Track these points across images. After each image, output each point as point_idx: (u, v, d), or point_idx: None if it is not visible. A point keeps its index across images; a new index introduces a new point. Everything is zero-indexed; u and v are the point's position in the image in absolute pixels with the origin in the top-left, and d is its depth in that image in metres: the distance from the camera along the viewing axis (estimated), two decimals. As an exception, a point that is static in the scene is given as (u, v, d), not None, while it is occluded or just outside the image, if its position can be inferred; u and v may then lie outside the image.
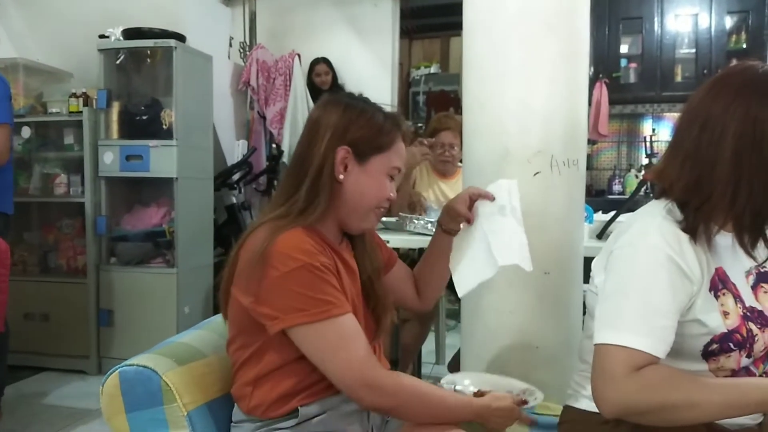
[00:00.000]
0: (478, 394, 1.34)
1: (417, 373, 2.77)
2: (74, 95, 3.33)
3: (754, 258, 1.06)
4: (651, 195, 2.59)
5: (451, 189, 2.94)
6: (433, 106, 5.96)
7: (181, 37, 3.38)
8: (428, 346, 3.08)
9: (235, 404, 1.18)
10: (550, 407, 1.44)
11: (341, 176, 1.16)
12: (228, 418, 1.18)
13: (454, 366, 2.83)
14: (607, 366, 0.94)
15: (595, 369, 0.96)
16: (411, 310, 1.93)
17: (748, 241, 1.02)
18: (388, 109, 1.26)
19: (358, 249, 1.27)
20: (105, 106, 3.29)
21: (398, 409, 1.11)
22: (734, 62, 1.11)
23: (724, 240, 1.05)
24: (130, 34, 3.34)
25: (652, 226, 1.01)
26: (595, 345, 0.97)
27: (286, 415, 1.12)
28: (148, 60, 3.44)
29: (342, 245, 1.24)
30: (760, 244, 1.03)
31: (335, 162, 1.15)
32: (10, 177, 2.76)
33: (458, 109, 5.14)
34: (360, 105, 1.21)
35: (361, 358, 1.06)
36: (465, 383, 1.41)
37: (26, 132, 3.39)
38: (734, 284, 1.04)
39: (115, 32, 3.36)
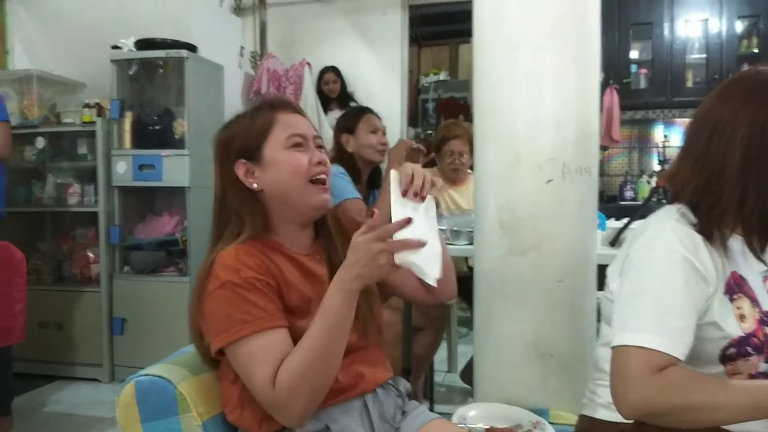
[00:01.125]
0: (490, 430, 1.35)
1: (430, 382, 2.76)
2: (87, 105, 3.37)
3: (763, 261, 1.05)
4: (663, 202, 2.58)
5: (462, 196, 2.94)
6: (443, 114, 5.97)
7: (192, 48, 3.41)
8: (440, 355, 3.07)
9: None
10: (565, 416, 1.43)
11: (255, 185, 1.16)
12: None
13: (467, 374, 2.82)
14: (626, 367, 0.93)
15: (614, 371, 0.95)
16: (423, 304, 1.84)
17: (757, 244, 1.02)
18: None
19: (333, 252, 1.21)
20: (118, 116, 3.32)
21: (307, 416, 1.05)
22: (745, 67, 1.11)
23: (736, 244, 1.05)
24: (142, 44, 3.38)
25: (667, 228, 1.01)
26: (614, 348, 0.96)
27: (282, 428, 1.09)
28: (160, 70, 3.47)
29: (311, 249, 1.22)
30: None
31: (240, 179, 1.16)
32: (3, 180, 2.77)
33: (468, 116, 5.16)
34: (229, 119, 1.23)
35: (268, 382, 1.01)
36: (471, 414, 1.41)
37: (40, 142, 3.43)
38: (751, 288, 1.04)
39: (128, 43, 3.39)
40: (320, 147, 1.21)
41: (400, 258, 0.99)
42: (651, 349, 0.92)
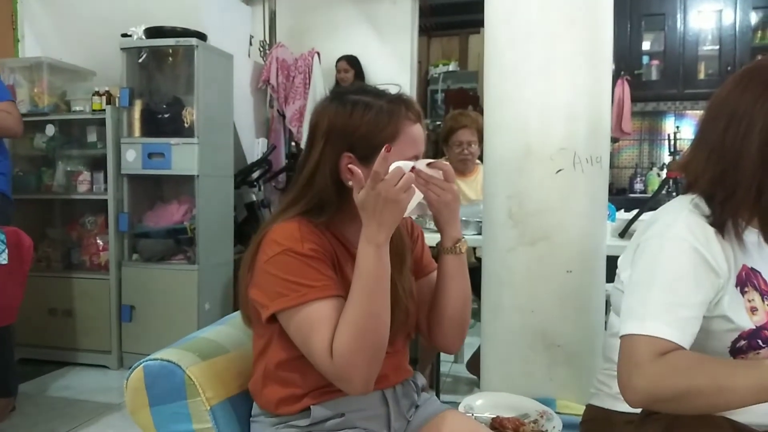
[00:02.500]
0: (497, 420, 1.34)
1: (436, 372, 2.76)
2: (97, 93, 3.37)
3: None
4: (674, 194, 2.56)
5: (470, 187, 2.93)
6: (452, 104, 5.94)
7: (202, 36, 3.40)
8: (447, 345, 3.07)
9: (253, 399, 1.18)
10: (572, 406, 1.43)
11: (350, 183, 1.06)
12: (248, 413, 1.19)
13: (473, 364, 2.82)
14: (632, 355, 0.92)
15: (620, 359, 0.95)
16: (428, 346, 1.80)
17: None
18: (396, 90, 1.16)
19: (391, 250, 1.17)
20: (127, 104, 3.33)
21: (371, 381, 1.04)
22: (759, 58, 1.08)
23: (751, 236, 1.03)
24: (152, 33, 3.38)
25: (679, 218, 1.00)
26: (621, 337, 0.96)
27: (298, 413, 1.10)
28: (170, 59, 3.47)
29: None
30: None
31: (340, 169, 1.09)
32: (8, 164, 2.79)
33: (477, 107, 5.13)
34: (354, 100, 1.11)
35: (323, 351, 1.00)
36: (477, 404, 1.41)
37: (50, 130, 3.45)
38: (765, 281, 1.03)
39: (137, 31, 3.39)
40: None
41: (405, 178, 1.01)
42: (657, 337, 0.92)
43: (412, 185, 1.03)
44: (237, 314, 1.35)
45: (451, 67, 6.47)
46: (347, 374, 1.00)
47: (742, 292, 1.01)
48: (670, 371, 0.90)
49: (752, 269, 1.03)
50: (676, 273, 0.96)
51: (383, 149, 1.00)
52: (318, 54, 4.47)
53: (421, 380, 1.29)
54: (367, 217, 1.01)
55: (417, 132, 1.12)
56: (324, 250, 1.08)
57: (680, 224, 0.99)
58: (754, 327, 0.99)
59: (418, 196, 1.08)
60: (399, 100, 1.12)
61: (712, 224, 0.99)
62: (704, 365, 0.91)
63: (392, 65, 4.55)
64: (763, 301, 1.01)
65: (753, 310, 1.00)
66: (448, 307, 1.19)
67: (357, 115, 1.09)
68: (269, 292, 1.05)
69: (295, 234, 1.06)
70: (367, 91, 1.15)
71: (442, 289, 1.18)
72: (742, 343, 0.99)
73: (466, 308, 1.21)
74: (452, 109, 5.71)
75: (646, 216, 2.05)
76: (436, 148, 4.19)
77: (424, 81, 6.38)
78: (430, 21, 6.08)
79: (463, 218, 2.25)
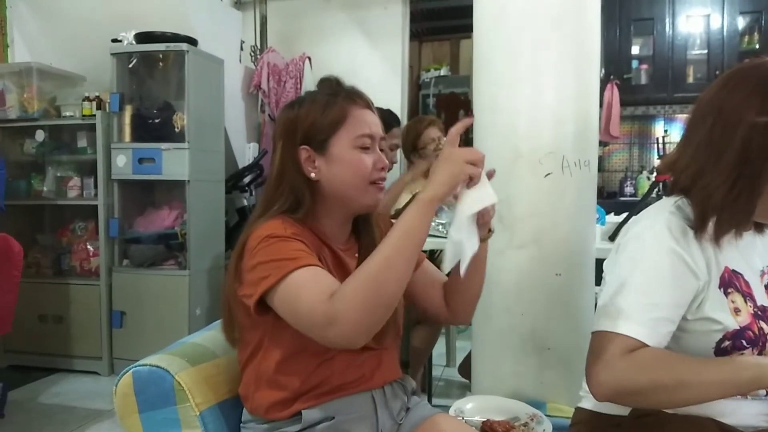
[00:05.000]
0: (487, 424, 1.35)
1: (428, 375, 2.76)
2: (87, 99, 3.36)
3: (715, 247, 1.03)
4: (663, 197, 2.58)
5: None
6: (443, 109, 5.96)
7: (192, 41, 3.40)
8: (439, 349, 3.07)
9: (243, 405, 1.18)
10: (562, 409, 1.43)
11: (313, 175, 1.13)
12: (238, 418, 1.18)
13: (465, 368, 2.83)
14: (602, 351, 0.95)
15: (590, 354, 0.97)
16: (439, 321, 1.81)
17: (728, 233, 1.01)
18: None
19: (366, 247, 1.19)
20: (118, 109, 3.32)
21: (362, 334, 0.98)
22: (747, 61, 1.10)
23: (732, 238, 1.04)
24: (142, 38, 3.37)
25: (659, 220, 1.01)
26: (594, 332, 0.97)
27: (289, 417, 1.11)
28: (160, 64, 3.46)
29: (347, 244, 1.21)
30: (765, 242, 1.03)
31: (300, 164, 1.13)
32: (2, 173, 2.76)
33: (468, 111, 5.13)
34: (301, 98, 1.17)
35: (321, 299, 0.96)
36: (468, 407, 1.41)
37: (40, 135, 3.43)
38: (747, 282, 1.04)
39: (128, 36, 3.38)
40: (382, 150, 1.18)
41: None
42: (629, 336, 0.93)
43: (481, 181, 1.03)
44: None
45: (443, 71, 6.48)
46: (341, 316, 0.94)
47: (726, 294, 1.02)
48: (635, 367, 0.92)
49: (734, 271, 1.04)
50: (653, 274, 0.98)
51: (466, 118, 1.05)
52: (309, 59, 4.47)
53: (411, 383, 1.29)
54: (432, 172, 1.02)
55: (367, 115, 1.16)
56: (307, 240, 1.08)
57: (660, 226, 1.00)
58: (739, 327, 1.00)
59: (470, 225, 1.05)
60: (342, 89, 1.18)
61: (693, 227, 1.00)
62: (668, 361, 0.93)
63: (383, 70, 4.55)
64: (745, 302, 1.02)
65: (737, 311, 1.01)
66: (476, 284, 1.22)
67: (303, 109, 1.15)
68: (254, 281, 1.04)
69: (277, 226, 1.07)
70: (313, 91, 1.21)
71: (474, 270, 1.14)
72: (727, 343, 1.00)
73: (483, 283, 1.24)
74: (444, 114, 5.74)
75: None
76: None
77: (416, 86, 6.39)
78: (421, 26, 6.10)
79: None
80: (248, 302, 1.06)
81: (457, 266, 1.08)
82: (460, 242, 1.04)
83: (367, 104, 1.18)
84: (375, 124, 1.16)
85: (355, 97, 1.16)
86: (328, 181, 1.14)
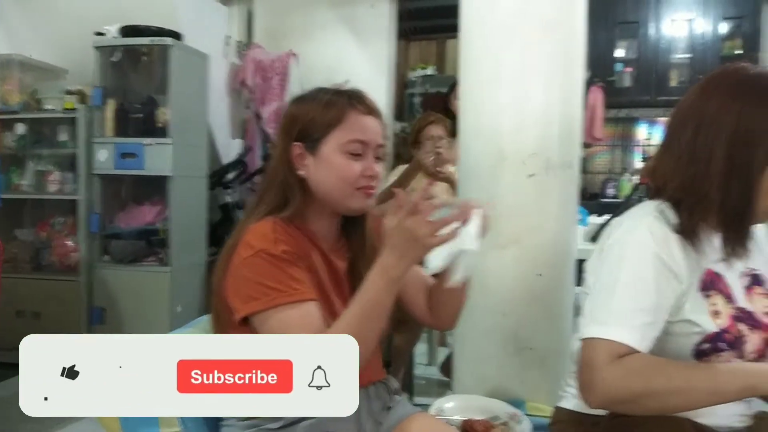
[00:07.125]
0: (467, 423, 1.35)
1: (409, 374, 2.76)
2: (69, 92, 3.32)
3: (735, 255, 1.05)
4: (645, 199, 2.60)
5: (440, 187, 2.91)
6: (429, 108, 5.96)
7: (177, 36, 3.37)
8: (420, 348, 3.08)
9: None
10: (541, 408, 1.44)
11: (301, 172, 1.13)
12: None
13: (446, 367, 2.83)
14: (592, 357, 0.94)
15: (581, 363, 0.97)
16: (423, 324, 1.80)
17: (732, 241, 1.02)
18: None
19: (359, 251, 1.20)
20: (100, 103, 3.28)
21: None
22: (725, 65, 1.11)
23: (717, 241, 1.05)
24: (126, 31, 3.33)
25: (642, 224, 1.02)
26: (582, 340, 0.97)
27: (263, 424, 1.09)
28: (144, 58, 3.43)
29: (337, 245, 1.21)
30: (751, 245, 1.04)
31: (291, 160, 1.13)
32: None
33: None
34: (305, 95, 1.17)
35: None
36: (448, 406, 1.42)
37: (20, 128, 3.38)
38: (727, 284, 1.05)
39: (112, 29, 3.34)
40: (378, 158, 1.15)
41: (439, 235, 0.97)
42: (617, 341, 0.93)
43: (448, 231, 0.99)
44: (208, 317, 1.33)
45: (429, 71, 6.49)
46: None
47: (706, 296, 1.02)
48: (627, 374, 0.92)
49: (716, 273, 1.05)
50: (637, 278, 0.98)
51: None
52: (295, 55, 4.45)
53: (394, 384, 1.29)
54: (390, 246, 1.00)
55: (366, 121, 1.14)
56: (297, 252, 1.08)
57: (642, 230, 1.01)
58: (718, 330, 1.01)
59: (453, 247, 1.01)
60: (345, 91, 1.16)
61: (679, 231, 1.01)
62: (660, 368, 0.93)
63: (370, 68, 4.55)
64: (726, 304, 1.03)
65: (716, 314, 1.02)
66: (462, 294, 1.20)
67: (303, 107, 1.15)
68: (241, 295, 1.05)
69: (269, 235, 1.06)
70: (321, 89, 1.18)
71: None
72: (706, 346, 1.01)
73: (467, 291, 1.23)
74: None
75: (614, 220, 2.08)
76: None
77: (402, 85, 6.39)
78: (408, 25, 6.09)
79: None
80: (235, 314, 1.06)
81: (443, 275, 1.07)
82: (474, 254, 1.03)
83: (370, 110, 1.16)
84: (372, 131, 1.14)
85: (357, 102, 1.15)
86: (315, 181, 1.14)
